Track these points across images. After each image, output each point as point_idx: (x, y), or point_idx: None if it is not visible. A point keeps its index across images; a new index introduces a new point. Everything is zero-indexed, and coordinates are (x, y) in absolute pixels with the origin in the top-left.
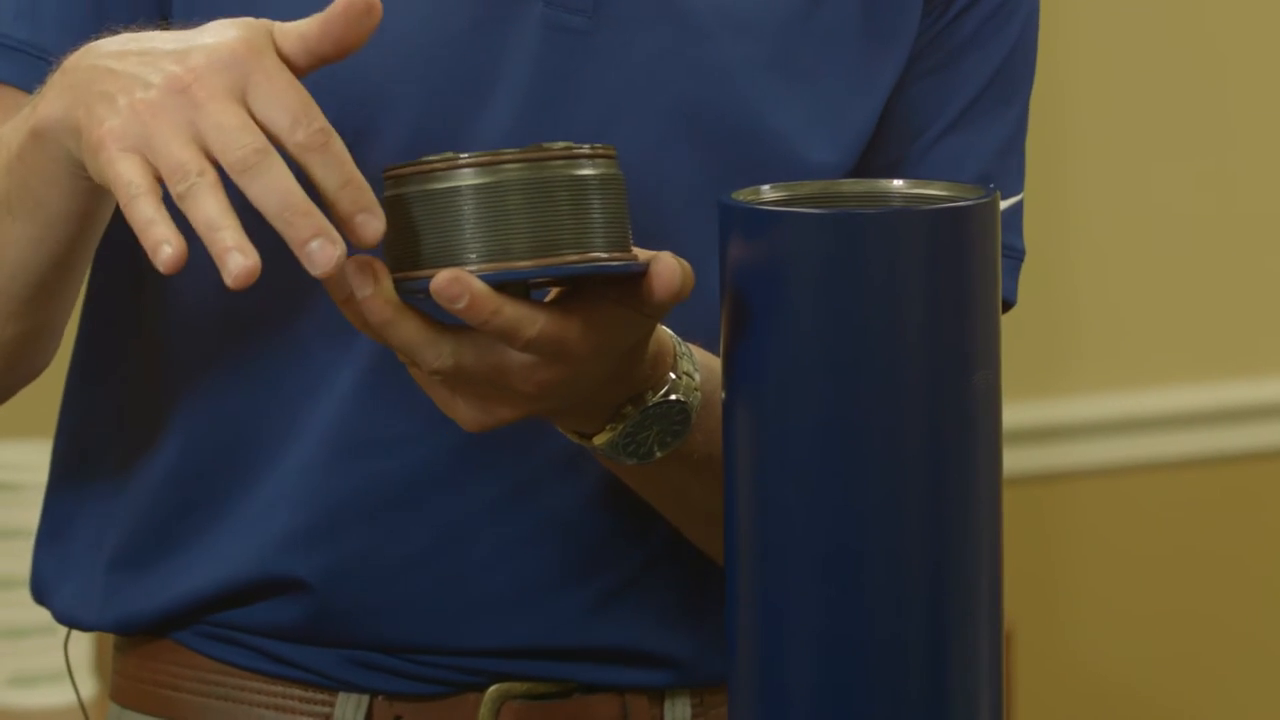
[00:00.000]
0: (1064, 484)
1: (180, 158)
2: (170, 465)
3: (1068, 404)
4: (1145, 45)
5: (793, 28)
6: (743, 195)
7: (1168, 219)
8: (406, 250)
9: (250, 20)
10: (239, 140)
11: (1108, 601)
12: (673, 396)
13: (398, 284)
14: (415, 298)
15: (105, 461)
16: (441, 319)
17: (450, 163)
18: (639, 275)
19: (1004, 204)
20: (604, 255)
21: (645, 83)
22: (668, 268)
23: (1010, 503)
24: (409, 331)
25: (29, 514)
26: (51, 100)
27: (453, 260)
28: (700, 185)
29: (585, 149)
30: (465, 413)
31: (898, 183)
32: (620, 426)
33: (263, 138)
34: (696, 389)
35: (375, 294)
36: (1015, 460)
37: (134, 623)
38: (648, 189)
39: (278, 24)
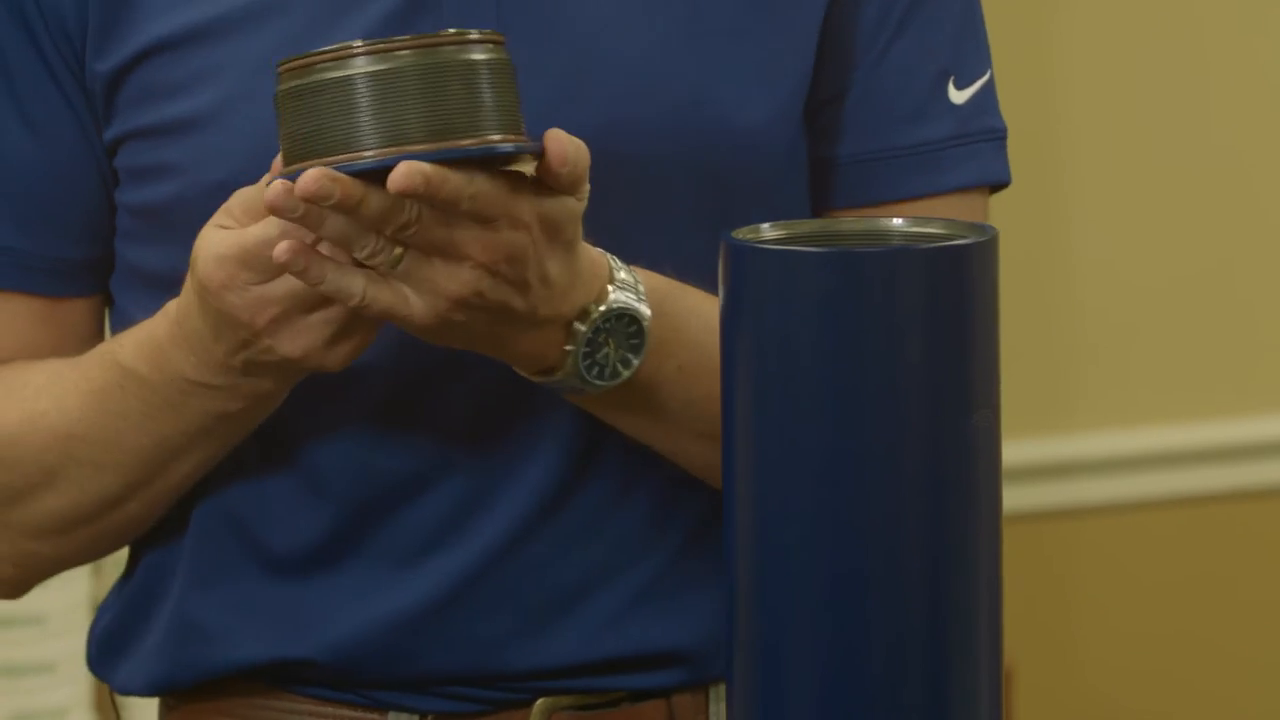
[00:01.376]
0: (1066, 521)
1: None
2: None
3: (1071, 441)
4: (1152, 89)
5: None
6: (742, 234)
7: (1172, 256)
8: (304, 142)
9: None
10: None
11: (1110, 639)
12: (617, 305)
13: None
14: None
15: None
16: None
17: (344, 51)
18: (537, 156)
19: (974, 86)
20: (497, 137)
21: (570, 88)
22: (556, 140)
23: (1012, 539)
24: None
25: (40, 599)
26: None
27: (349, 148)
28: (643, 166)
29: (475, 34)
30: (416, 304)
31: (897, 221)
32: (576, 347)
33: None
34: (642, 299)
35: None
36: (1018, 497)
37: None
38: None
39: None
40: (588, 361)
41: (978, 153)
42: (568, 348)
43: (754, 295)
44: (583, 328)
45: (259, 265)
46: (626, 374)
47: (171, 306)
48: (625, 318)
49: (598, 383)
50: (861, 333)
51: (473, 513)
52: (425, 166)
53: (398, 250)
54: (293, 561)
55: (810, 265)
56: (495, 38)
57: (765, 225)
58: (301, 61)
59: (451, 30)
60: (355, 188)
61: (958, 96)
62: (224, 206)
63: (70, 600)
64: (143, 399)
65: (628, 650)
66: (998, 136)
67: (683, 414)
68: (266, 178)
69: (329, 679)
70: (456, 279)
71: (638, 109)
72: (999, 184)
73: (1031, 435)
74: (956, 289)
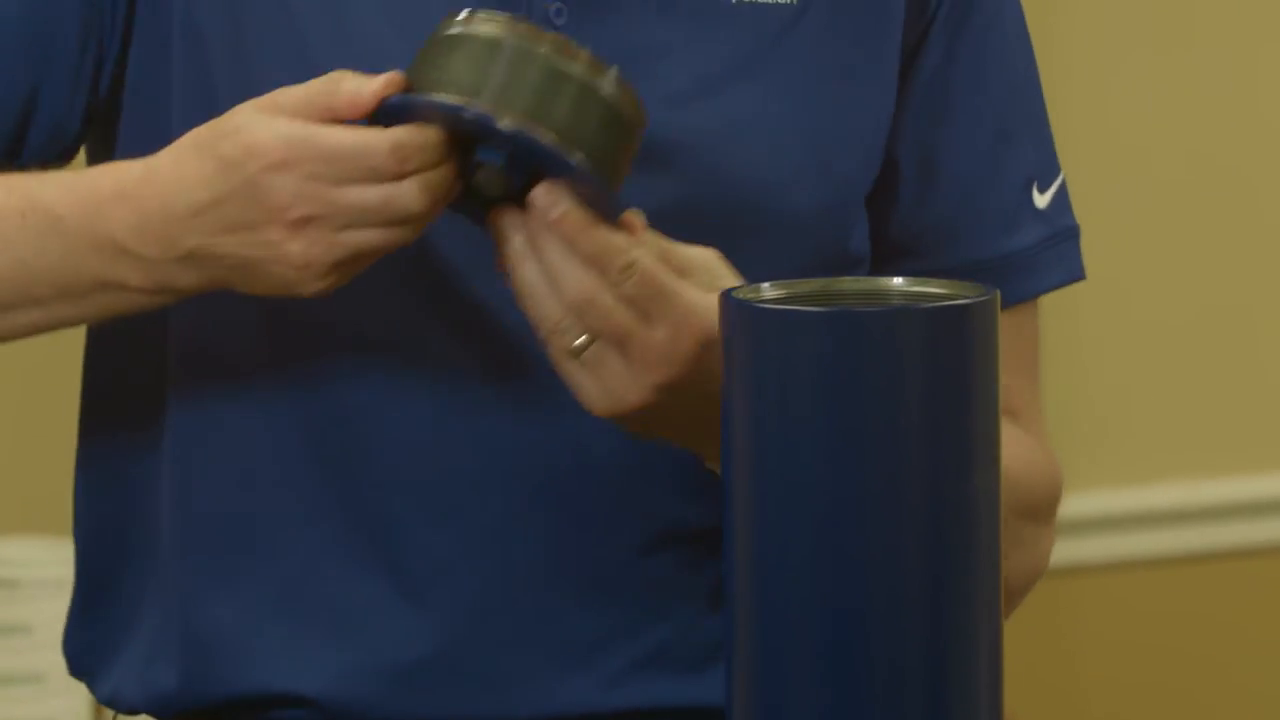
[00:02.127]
0: (1067, 579)
1: None
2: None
3: (1071, 499)
4: (1156, 142)
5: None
6: (743, 293)
7: (1174, 315)
8: (441, 74)
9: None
10: None
11: (1111, 697)
12: None
13: (413, 95)
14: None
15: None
16: None
17: (532, 34)
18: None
19: (1053, 188)
20: (583, 159)
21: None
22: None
23: None
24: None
25: (28, 609)
26: None
27: (475, 94)
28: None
29: (634, 99)
30: (590, 390)
31: (898, 280)
32: None
33: None
34: None
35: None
36: None
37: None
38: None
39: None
40: None
41: (1064, 254)
42: None
43: (755, 354)
44: None
45: (343, 166)
46: None
47: (138, 164)
48: None
49: None
50: (862, 392)
51: (484, 554)
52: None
53: (583, 339)
54: (304, 588)
55: (811, 325)
56: (640, 111)
57: (766, 284)
58: (493, 19)
59: (614, 69)
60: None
61: (1041, 201)
62: (275, 99)
63: (61, 611)
64: (40, 236)
65: (638, 702)
66: (1075, 235)
67: None
68: (363, 87)
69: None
70: (631, 378)
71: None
72: (1074, 279)
73: None
74: (957, 348)
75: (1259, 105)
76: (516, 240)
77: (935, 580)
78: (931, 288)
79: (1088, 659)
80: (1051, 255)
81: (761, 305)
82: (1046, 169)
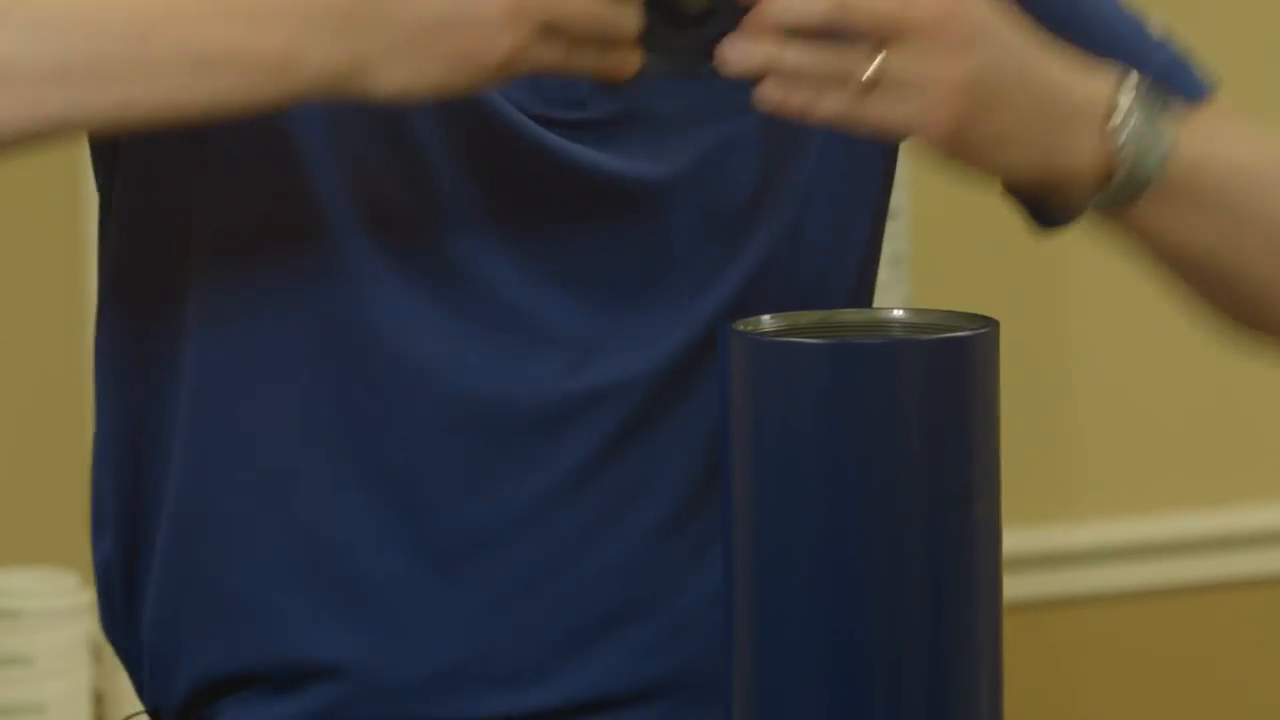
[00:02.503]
0: (1067, 610)
1: None
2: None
3: (1072, 530)
4: None
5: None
6: (743, 325)
7: (1172, 343)
8: None
9: None
10: None
11: None
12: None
13: None
14: None
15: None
16: None
17: None
18: None
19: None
20: None
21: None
22: None
23: (1013, 629)
24: None
25: (29, 640)
26: None
27: None
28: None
29: None
30: (911, 111)
31: (898, 312)
32: (1125, 119)
33: None
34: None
35: None
36: (1018, 586)
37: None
38: None
39: None
40: (1139, 137)
41: (1192, 71)
42: (1112, 124)
43: (754, 386)
44: (1125, 99)
45: None
46: (1170, 138)
47: None
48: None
49: (1155, 159)
50: (863, 424)
51: (497, 543)
52: None
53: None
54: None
55: (810, 357)
56: None
57: (766, 317)
58: None
59: None
60: None
61: (1154, 32)
62: None
63: (62, 642)
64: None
65: (646, 685)
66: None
67: (1244, 203)
68: None
69: (330, 709)
70: (948, 54)
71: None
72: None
73: (1031, 524)
74: (957, 380)
75: None
76: (767, 37)
77: (936, 608)
78: (932, 319)
79: (1085, 689)
80: (1188, 72)
81: (762, 337)
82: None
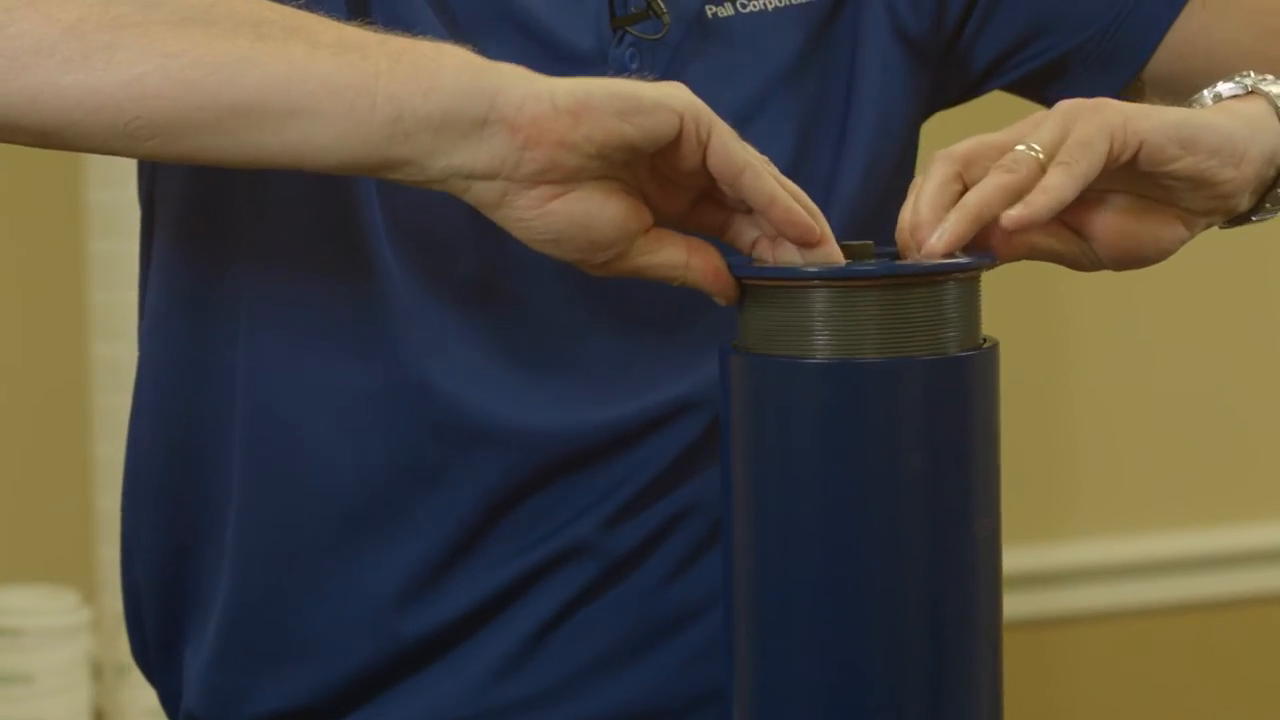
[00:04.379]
0: (1066, 628)
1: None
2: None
3: (1069, 549)
4: None
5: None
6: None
7: (1168, 362)
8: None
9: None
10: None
11: None
12: None
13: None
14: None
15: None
16: None
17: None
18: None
19: None
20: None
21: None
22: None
23: (1012, 647)
24: None
25: (31, 659)
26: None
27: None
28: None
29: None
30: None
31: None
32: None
33: None
34: None
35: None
36: (1017, 605)
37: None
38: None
39: None
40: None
41: None
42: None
43: (754, 405)
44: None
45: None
46: None
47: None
48: None
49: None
50: (862, 442)
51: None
52: None
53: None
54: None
55: (810, 375)
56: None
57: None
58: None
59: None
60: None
61: None
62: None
63: (63, 660)
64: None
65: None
66: None
67: None
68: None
69: None
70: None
71: None
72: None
73: (1030, 542)
74: (957, 398)
75: None
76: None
77: (936, 626)
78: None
79: (1081, 708)
80: None
81: (760, 356)
82: None
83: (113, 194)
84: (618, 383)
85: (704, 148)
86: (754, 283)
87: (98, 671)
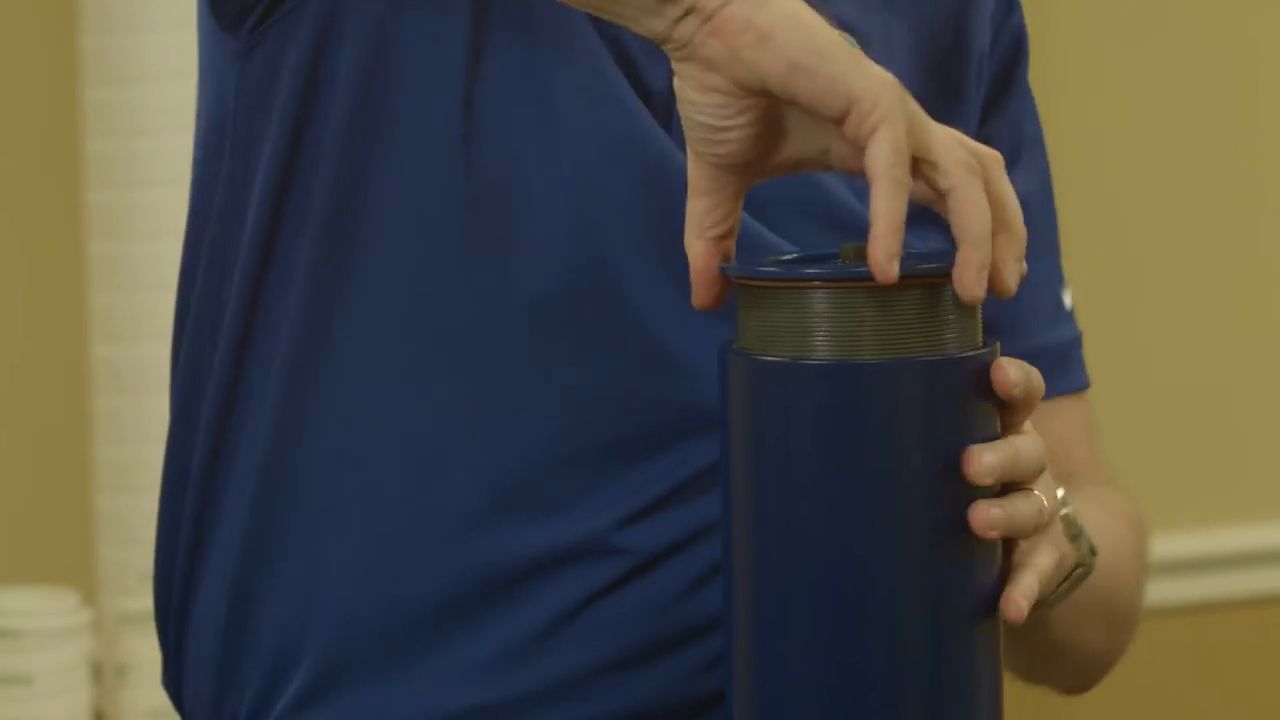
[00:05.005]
0: None
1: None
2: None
3: None
4: (1148, 196)
5: None
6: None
7: (1164, 365)
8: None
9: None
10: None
11: None
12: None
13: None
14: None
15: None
16: None
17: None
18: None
19: (1068, 293)
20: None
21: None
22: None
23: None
24: None
25: (30, 660)
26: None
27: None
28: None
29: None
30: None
31: None
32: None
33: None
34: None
35: None
36: None
37: None
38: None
39: None
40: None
41: (1081, 356)
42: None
43: (753, 406)
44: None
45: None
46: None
47: None
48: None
49: (1091, 560)
50: (861, 442)
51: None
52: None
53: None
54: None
55: (809, 376)
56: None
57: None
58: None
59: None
60: None
61: (1067, 301)
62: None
63: (62, 661)
64: None
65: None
66: (1080, 341)
67: (1104, 586)
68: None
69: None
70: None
71: None
72: (1079, 388)
73: None
74: (957, 399)
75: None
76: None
77: (936, 629)
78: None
79: (1079, 708)
80: (1077, 355)
81: (758, 358)
82: (1062, 278)
83: (113, 195)
84: (693, 377)
85: (865, 139)
86: (753, 284)
87: (97, 673)
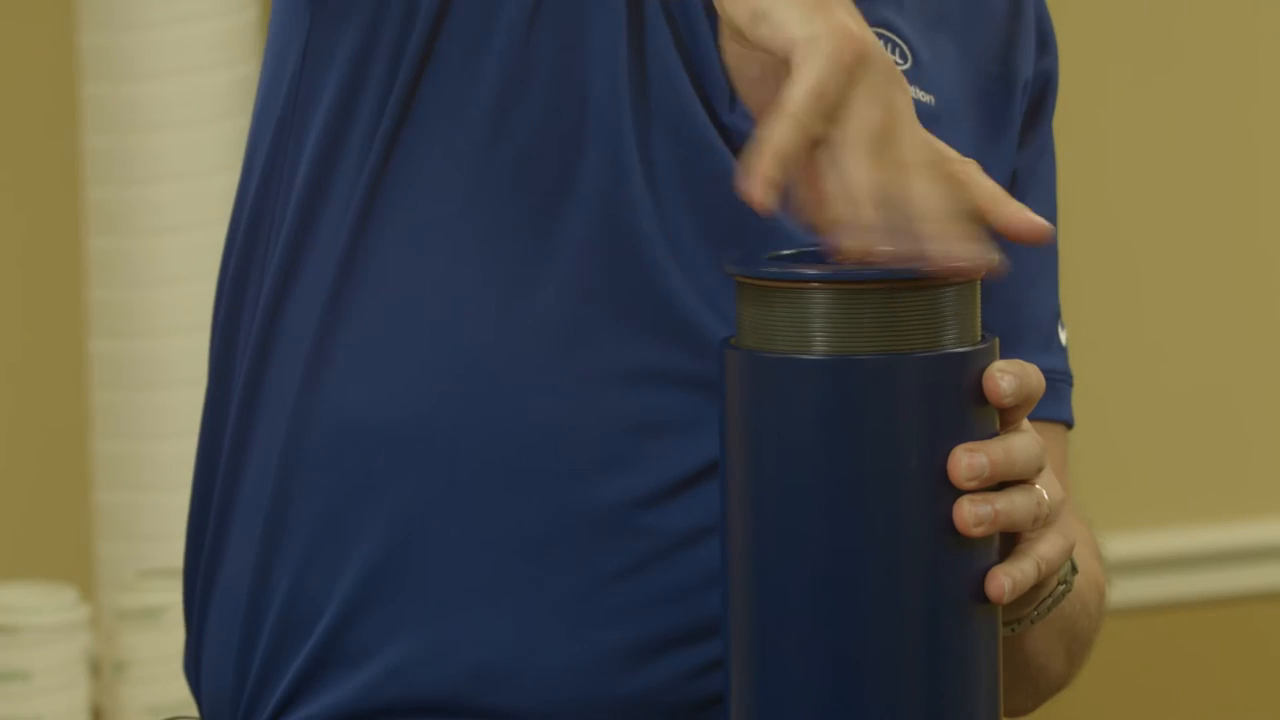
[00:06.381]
0: None
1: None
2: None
3: None
4: (1145, 210)
5: None
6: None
7: (1163, 360)
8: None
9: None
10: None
11: None
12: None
13: None
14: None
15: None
16: None
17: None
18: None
19: (1064, 331)
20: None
21: None
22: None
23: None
24: None
25: (28, 656)
26: None
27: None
28: None
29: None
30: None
31: None
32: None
33: None
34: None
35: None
36: None
37: None
38: None
39: None
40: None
41: (1069, 395)
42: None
43: (752, 401)
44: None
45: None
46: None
47: None
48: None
49: (1072, 579)
50: (860, 438)
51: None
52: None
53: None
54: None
55: (808, 371)
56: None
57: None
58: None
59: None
60: None
61: (1063, 337)
62: None
63: (60, 657)
64: None
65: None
66: (1066, 380)
67: (1070, 615)
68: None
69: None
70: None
71: None
72: (1065, 424)
73: None
74: (956, 395)
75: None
76: None
77: (934, 625)
78: None
79: (1078, 708)
80: (1066, 387)
81: (757, 353)
82: (1059, 315)
83: (112, 191)
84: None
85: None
86: (751, 283)
87: (95, 669)
